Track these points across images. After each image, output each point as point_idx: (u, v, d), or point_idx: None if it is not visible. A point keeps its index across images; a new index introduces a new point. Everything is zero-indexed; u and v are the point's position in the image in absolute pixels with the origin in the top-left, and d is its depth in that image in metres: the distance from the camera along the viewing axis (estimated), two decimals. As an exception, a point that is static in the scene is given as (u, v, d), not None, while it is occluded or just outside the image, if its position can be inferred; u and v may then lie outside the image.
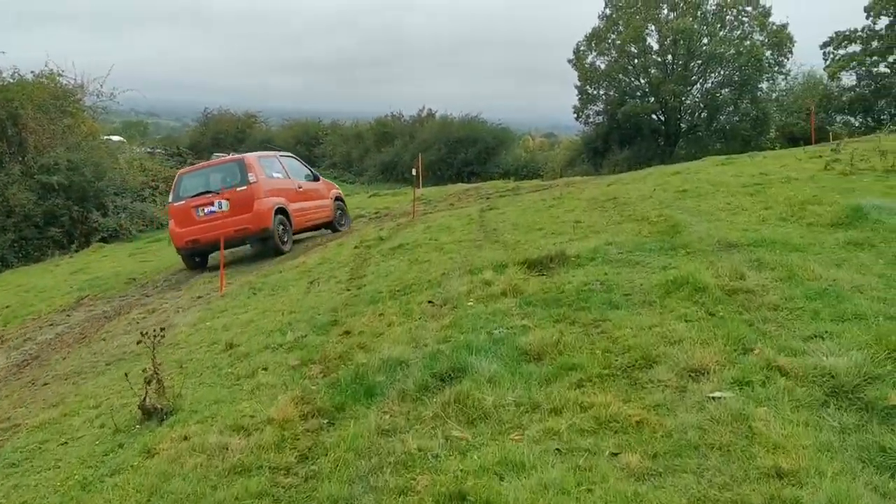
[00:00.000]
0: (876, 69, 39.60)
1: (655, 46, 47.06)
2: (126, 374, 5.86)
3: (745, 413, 3.57)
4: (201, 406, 5.13)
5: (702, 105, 46.26)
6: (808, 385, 3.79)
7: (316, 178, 15.47)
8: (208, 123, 68.97)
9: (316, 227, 15.28)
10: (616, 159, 43.95)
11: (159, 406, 5.10)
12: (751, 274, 5.67)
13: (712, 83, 46.47)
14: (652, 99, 46.20)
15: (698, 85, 47.11)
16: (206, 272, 13.18)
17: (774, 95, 45.80)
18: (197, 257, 13.71)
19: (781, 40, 44.24)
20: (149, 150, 44.05)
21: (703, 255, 6.53)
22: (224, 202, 12.93)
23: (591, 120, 49.17)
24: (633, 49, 46.87)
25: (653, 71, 46.43)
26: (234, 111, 71.86)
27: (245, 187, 12.98)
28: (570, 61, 49.29)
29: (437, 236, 10.59)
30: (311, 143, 66.97)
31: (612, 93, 47.78)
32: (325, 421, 4.40)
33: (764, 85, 45.09)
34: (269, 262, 12.56)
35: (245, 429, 4.47)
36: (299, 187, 14.42)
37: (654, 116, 47.72)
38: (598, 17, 48.42)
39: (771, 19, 44.72)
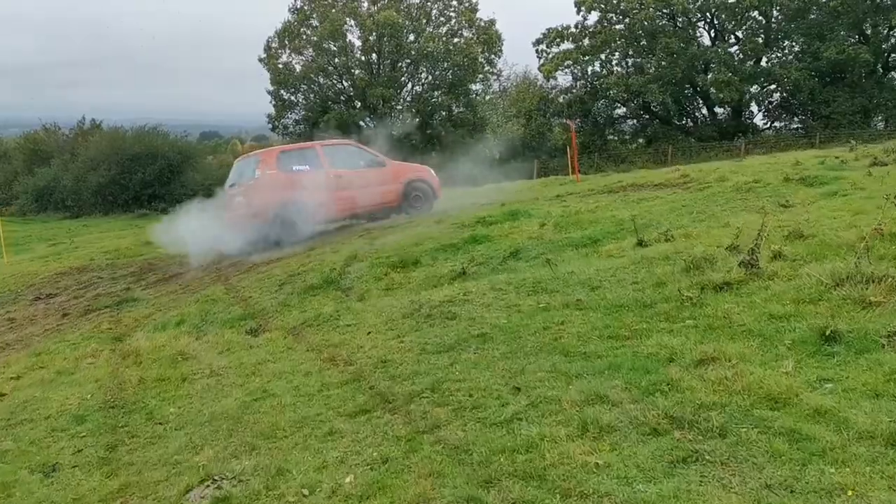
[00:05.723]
0: (591, 68, 37.01)
1: (358, 43, 40.88)
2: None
3: None
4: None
5: (414, 110, 40.87)
6: None
7: (381, 164, 15.28)
8: None
9: (379, 210, 14.94)
10: (323, 176, 37.13)
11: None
12: None
13: (423, 85, 41.38)
14: (359, 104, 39.88)
15: (409, 87, 41.80)
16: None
17: (488, 98, 42.01)
18: None
19: (491, 37, 40.44)
20: None
21: None
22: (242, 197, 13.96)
23: (290, 130, 41.65)
24: (332, 47, 40.16)
25: (357, 72, 40.17)
26: None
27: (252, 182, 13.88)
28: (261, 60, 41.39)
29: None
30: (-65, 164, 52.15)
31: (312, 97, 40.68)
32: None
33: (478, 86, 40.99)
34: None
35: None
36: (338, 177, 14.40)
37: (362, 124, 41.56)
38: (289, 9, 41.07)
39: (478, 15, 40.72)
